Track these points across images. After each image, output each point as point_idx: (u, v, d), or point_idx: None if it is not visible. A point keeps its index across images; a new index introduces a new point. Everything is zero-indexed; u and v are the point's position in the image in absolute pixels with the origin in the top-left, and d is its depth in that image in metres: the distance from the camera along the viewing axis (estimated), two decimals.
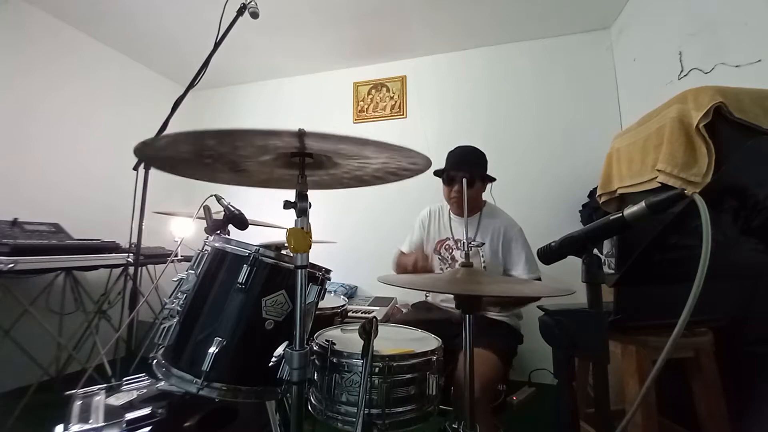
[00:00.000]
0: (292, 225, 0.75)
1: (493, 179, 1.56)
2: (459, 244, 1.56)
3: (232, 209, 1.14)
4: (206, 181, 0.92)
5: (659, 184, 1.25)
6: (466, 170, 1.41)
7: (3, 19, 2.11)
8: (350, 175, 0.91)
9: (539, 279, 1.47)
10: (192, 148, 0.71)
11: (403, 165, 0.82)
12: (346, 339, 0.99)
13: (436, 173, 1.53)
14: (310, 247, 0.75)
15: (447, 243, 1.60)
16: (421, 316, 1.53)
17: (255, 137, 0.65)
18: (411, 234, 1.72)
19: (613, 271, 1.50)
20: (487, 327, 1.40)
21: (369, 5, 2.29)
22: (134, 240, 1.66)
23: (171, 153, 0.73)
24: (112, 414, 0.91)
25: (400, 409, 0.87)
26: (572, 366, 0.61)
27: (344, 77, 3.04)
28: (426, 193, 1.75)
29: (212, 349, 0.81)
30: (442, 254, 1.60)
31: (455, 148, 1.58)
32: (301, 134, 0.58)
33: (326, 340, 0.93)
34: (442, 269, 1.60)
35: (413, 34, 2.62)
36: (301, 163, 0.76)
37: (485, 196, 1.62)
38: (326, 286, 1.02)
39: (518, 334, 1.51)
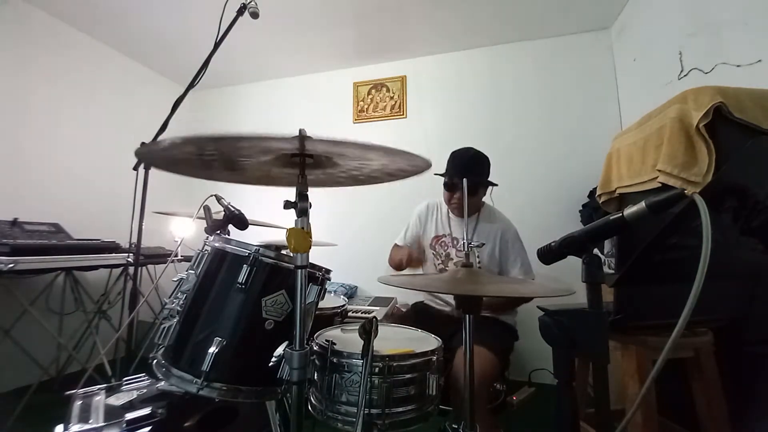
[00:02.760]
0: (292, 225, 0.75)
1: (494, 185, 1.54)
2: (455, 242, 1.56)
3: (232, 209, 1.14)
4: (204, 179, 0.92)
5: (660, 185, 1.25)
6: (469, 178, 1.40)
7: (2, 19, 2.11)
8: (347, 174, 0.91)
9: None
10: (192, 149, 0.71)
11: (401, 167, 0.82)
12: (346, 339, 0.99)
13: (438, 174, 1.52)
14: (310, 247, 0.75)
15: (443, 239, 1.60)
16: (419, 318, 1.53)
17: (256, 141, 0.65)
18: (407, 227, 1.72)
19: (613, 271, 1.50)
20: (482, 324, 1.39)
21: (369, 5, 2.29)
22: (134, 240, 1.66)
23: (171, 154, 0.73)
24: (112, 414, 0.91)
25: (400, 409, 0.87)
26: (572, 366, 0.61)
27: (344, 77, 3.04)
28: (426, 195, 1.75)
29: (212, 349, 0.81)
30: (437, 250, 1.60)
31: (458, 151, 1.55)
32: (302, 138, 0.58)
33: (326, 340, 0.93)
34: (435, 265, 1.60)
35: (413, 34, 2.62)
36: (301, 163, 0.77)
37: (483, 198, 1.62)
38: (326, 286, 1.02)
39: (513, 330, 1.51)
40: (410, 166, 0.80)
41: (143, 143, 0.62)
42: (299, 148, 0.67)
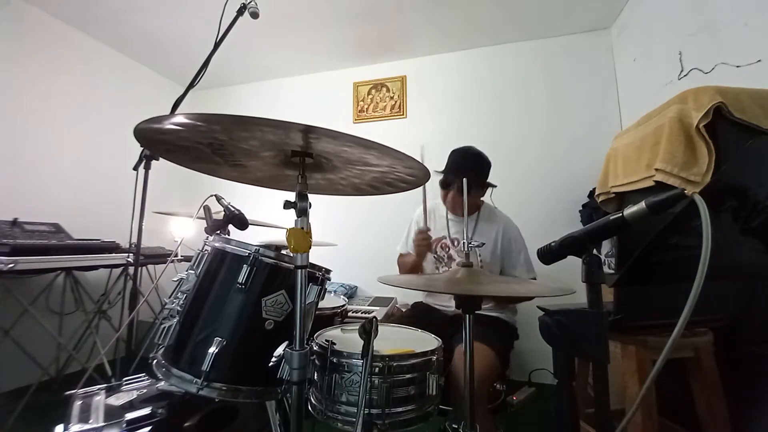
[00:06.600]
0: (292, 225, 0.75)
1: (493, 186, 1.53)
2: (456, 244, 1.56)
3: (232, 209, 1.14)
4: (202, 172, 0.91)
5: (654, 183, 1.25)
6: (465, 176, 1.39)
7: (2, 19, 2.11)
8: (347, 181, 0.91)
9: (534, 279, 1.48)
10: (195, 134, 0.70)
11: (401, 176, 0.82)
12: (346, 339, 0.99)
13: (438, 172, 1.51)
14: (310, 247, 0.75)
15: (443, 242, 1.59)
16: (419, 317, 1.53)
17: (261, 128, 0.65)
18: (407, 233, 1.72)
19: (613, 271, 1.50)
20: (483, 323, 1.39)
21: (369, 5, 2.29)
22: (134, 240, 1.65)
23: (171, 137, 0.72)
24: (112, 414, 0.91)
25: (400, 409, 0.87)
26: (572, 366, 0.61)
27: (344, 77, 3.04)
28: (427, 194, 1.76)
29: (212, 349, 0.81)
30: (438, 253, 1.59)
31: (458, 149, 1.55)
32: (306, 128, 0.59)
33: (326, 340, 0.93)
34: (437, 268, 1.60)
35: (413, 34, 2.62)
36: (302, 162, 0.77)
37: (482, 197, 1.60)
38: (326, 286, 1.02)
39: (513, 329, 1.51)
40: (409, 175, 0.81)
41: (146, 120, 0.61)
42: (302, 138, 0.67)
